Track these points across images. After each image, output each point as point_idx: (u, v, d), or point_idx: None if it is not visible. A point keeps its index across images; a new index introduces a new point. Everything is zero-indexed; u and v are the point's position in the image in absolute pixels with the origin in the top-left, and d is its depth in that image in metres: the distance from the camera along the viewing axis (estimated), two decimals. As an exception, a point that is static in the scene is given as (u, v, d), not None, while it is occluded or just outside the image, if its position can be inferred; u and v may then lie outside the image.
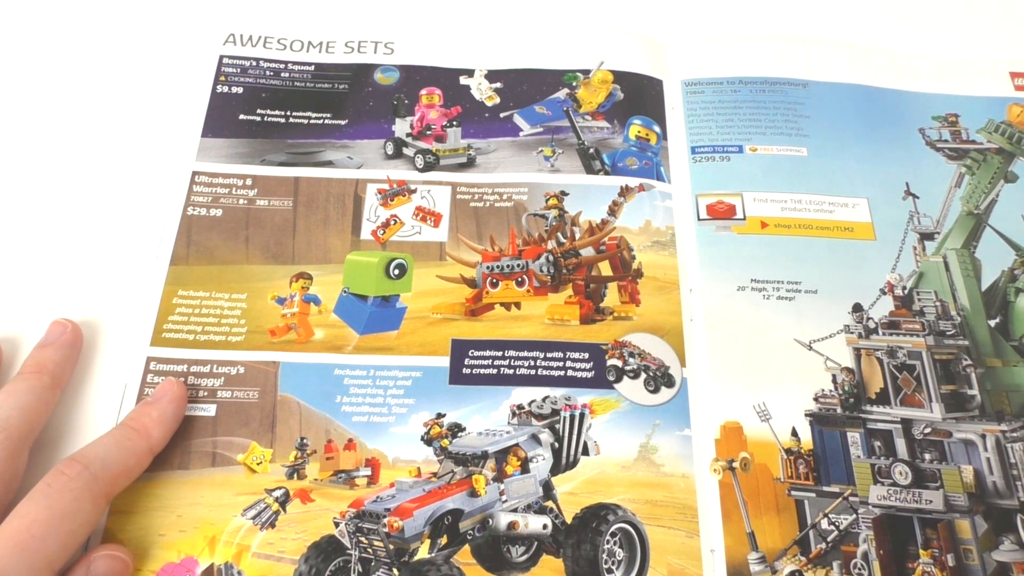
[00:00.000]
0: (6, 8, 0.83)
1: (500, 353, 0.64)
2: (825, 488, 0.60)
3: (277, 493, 0.57)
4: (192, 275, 0.67)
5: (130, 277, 0.66)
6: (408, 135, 0.77)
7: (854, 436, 0.63)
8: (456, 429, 0.60)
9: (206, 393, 0.61)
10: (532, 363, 0.64)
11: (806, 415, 0.62)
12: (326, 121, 0.77)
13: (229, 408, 0.61)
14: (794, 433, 0.62)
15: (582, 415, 0.61)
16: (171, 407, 0.58)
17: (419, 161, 0.75)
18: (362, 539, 0.54)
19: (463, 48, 0.82)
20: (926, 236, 0.71)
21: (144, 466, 0.55)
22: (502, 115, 0.78)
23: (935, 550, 0.57)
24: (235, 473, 0.59)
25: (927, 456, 0.61)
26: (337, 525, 0.54)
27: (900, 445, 0.62)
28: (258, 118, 0.76)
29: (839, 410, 0.63)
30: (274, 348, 0.64)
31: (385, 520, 0.53)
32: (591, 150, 0.76)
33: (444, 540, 0.55)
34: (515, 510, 0.58)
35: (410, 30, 0.83)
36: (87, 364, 0.62)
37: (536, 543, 0.58)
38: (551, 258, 0.70)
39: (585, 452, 0.60)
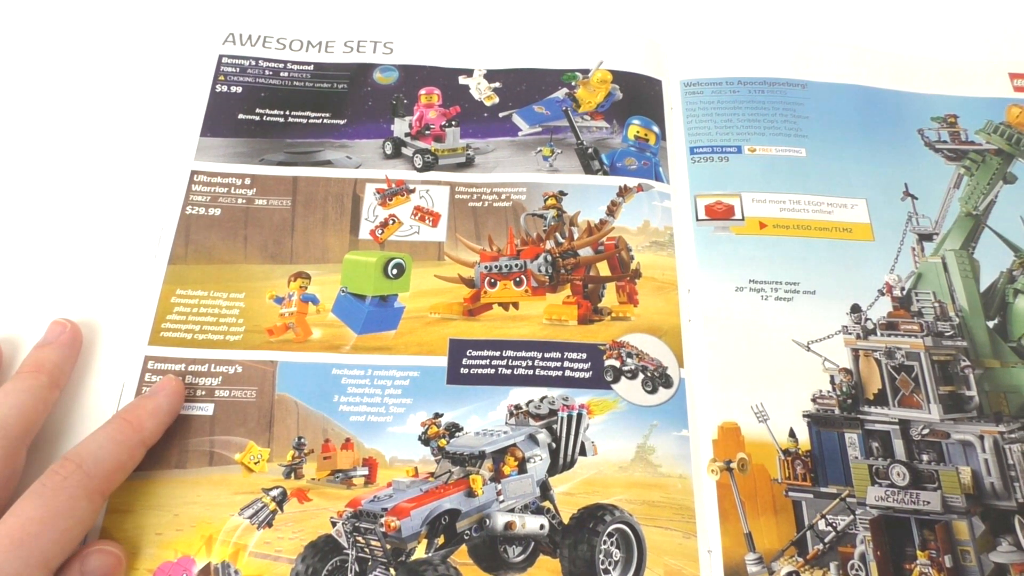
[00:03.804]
0: (6, 8, 0.83)
1: (498, 353, 0.64)
2: (823, 489, 0.60)
3: (274, 492, 0.57)
4: (190, 274, 0.67)
5: (128, 276, 0.67)
6: (407, 135, 0.77)
7: (852, 437, 0.62)
8: (453, 429, 0.60)
9: (204, 392, 0.61)
10: (530, 363, 0.64)
11: (804, 416, 0.62)
12: (325, 121, 0.77)
13: (227, 407, 0.61)
14: (792, 434, 0.62)
15: (580, 415, 0.61)
16: (166, 400, 0.58)
17: (418, 161, 0.75)
18: (359, 539, 0.54)
19: (462, 48, 0.82)
20: (925, 237, 0.71)
21: (137, 460, 0.55)
22: (501, 115, 0.78)
23: (932, 551, 0.57)
24: (232, 472, 0.59)
25: (925, 457, 0.61)
26: (334, 525, 0.55)
27: (898, 446, 0.62)
28: (257, 117, 0.76)
29: (837, 411, 0.63)
30: (272, 347, 0.64)
31: (382, 520, 0.53)
32: (590, 150, 0.76)
33: (441, 540, 0.55)
34: (512, 510, 0.58)
35: (409, 30, 0.83)
36: (85, 363, 0.62)
37: (533, 543, 0.58)
38: (549, 258, 0.70)
39: (583, 452, 0.60)
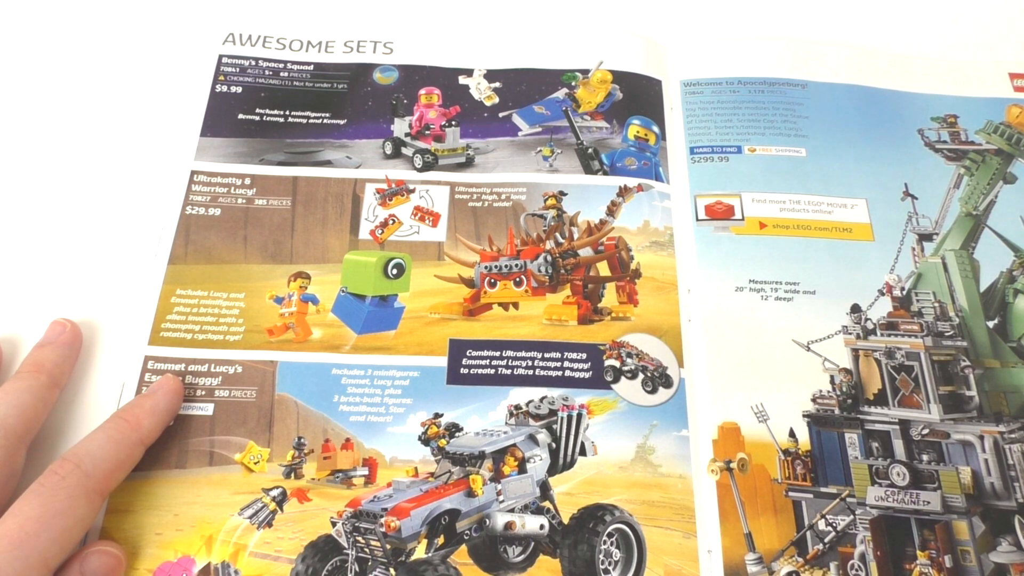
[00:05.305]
0: (6, 8, 0.83)
1: (498, 353, 0.64)
2: (822, 489, 0.60)
3: (274, 492, 0.57)
4: (190, 274, 0.67)
5: (128, 276, 0.67)
6: (407, 135, 0.77)
7: (852, 437, 0.62)
8: (453, 429, 0.60)
9: (204, 392, 0.61)
10: (530, 363, 0.64)
11: (804, 416, 0.62)
12: (325, 121, 0.77)
13: (226, 407, 0.61)
14: (792, 434, 0.62)
15: (579, 415, 0.61)
16: (164, 399, 0.58)
17: (418, 161, 0.75)
18: (359, 539, 0.54)
19: (462, 48, 0.82)
20: (925, 237, 0.71)
21: (136, 458, 0.55)
22: (501, 115, 0.78)
23: (932, 551, 0.57)
24: (232, 472, 0.59)
25: (925, 457, 0.61)
26: (334, 525, 0.55)
27: (898, 446, 0.62)
28: (257, 117, 0.76)
29: (837, 411, 0.63)
30: (272, 347, 0.64)
31: (382, 520, 0.53)
32: (590, 150, 0.76)
33: (441, 540, 0.55)
34: (512, 510, 0.58)
35: (409, 30, 0.83)
36: (85, 363, 0.62)
37: (533, 543, 0.58)
38: (549, 258, 0.70)
39: (582, 452, 0.60)
